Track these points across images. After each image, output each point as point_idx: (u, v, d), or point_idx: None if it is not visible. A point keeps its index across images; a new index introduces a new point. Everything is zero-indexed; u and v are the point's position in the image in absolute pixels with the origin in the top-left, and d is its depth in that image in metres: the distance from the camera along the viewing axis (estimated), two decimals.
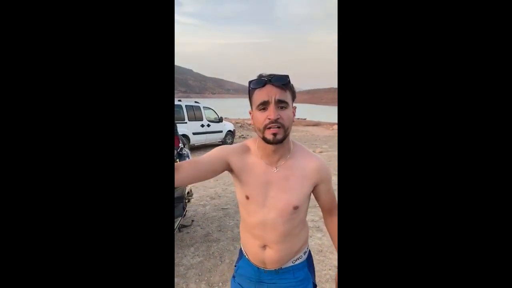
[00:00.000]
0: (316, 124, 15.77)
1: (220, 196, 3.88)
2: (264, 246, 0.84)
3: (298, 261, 0.87)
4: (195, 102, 7.86)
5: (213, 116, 8.19)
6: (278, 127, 0.71)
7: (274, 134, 0.71)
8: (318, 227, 2.86)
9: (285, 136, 0.74)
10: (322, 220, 3.17)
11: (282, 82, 0.72)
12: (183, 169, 0.72)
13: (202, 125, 7.62)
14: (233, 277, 0.96)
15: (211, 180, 4.69)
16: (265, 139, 0.73)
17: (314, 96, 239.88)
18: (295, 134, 11.02)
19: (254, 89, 0.74)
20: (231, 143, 8.70)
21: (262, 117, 0.72)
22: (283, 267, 0.86)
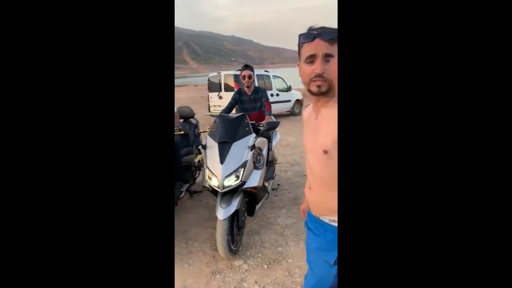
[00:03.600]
0: None
1: (299, 164, 3.90)
2: (310, 188, 0.94)
3: (332, 223, 0.87)
4: (265, 71, 7.82)
5: (282, 85, 8.07)
6: (324, 80, 0.76)
7: (319, 86, 0.77)
8: None
9: (330, 88, 0.78)
10: None
11: (330, 37, 0.74)
12: None
13: (272, 95, 7.60)
14: None
15: (287, 148, 4.74)
16: (310, 91, 0.81)
17: None
18: None
19: (303, 43, 0.79)
20: (299, 113, 8.54)
21: (309, 70, 0.77)
22: (320, 217, 0.90)
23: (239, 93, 2.63)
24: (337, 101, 0.81)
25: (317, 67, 0.76)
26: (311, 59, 0.77)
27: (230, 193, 1.86)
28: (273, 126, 1.98)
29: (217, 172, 1.81)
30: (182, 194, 2.44)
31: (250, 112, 2.59)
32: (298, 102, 8.60)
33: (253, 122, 2.20)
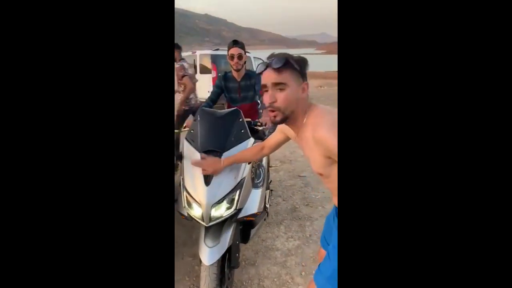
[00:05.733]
0: None
1: (290, 161, 3.41)
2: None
3: None
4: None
5: None
6: (274, 110, 0.81)
7: (274, 117, 0.82)
8: None
9: (286, 116, 0.82)
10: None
11: (278, 65, 0.78)
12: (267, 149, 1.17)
13: None
14: None
15: None
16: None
17: None
18: None
19: (259, 74, 0.84)
20: None
21: (265, 99, 0.83)
22: None
23: (225, 78, 2.01)
24: (307, 123, 0.83)
25: (267, 97, 0.81)
26: (265, 88, 0.82)
27: (219, 224, 1.30)
28: None
29: (200, 198, 1.23)
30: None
31: (239, 104, 2.00)
32: None
33: (248, 119, 1.61)
